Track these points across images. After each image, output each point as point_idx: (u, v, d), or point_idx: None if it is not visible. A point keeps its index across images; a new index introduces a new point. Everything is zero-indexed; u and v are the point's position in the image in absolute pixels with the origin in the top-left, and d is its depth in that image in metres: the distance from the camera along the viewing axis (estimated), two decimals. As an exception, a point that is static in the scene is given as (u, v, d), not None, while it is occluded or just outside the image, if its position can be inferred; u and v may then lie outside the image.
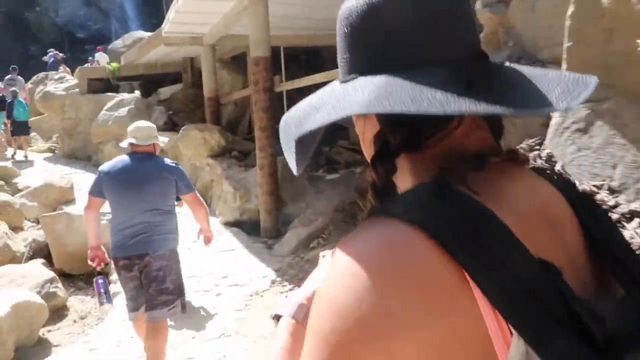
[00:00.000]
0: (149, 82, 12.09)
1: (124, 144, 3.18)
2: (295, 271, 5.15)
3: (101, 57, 15.70)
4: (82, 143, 10.79)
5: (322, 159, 9.80)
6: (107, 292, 3.23)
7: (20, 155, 10.98)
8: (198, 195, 3.31)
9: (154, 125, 3.29)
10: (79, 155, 10.88)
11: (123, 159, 3.10)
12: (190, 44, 9.21)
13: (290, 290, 4.62)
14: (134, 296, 3.02)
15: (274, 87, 6.69)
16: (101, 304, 3.21)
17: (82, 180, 9.23)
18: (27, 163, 10.47)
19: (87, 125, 10.53)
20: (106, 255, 3.16)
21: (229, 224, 6.96)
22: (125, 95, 10.22)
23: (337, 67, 0.60)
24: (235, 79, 10.26)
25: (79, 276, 5.76)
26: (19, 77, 13.41)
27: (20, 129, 11.00)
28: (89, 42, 26.51)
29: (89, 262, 3.15)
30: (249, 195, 7.09)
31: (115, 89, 11.00)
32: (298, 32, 8.89)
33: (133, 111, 9.79)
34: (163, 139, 3.40)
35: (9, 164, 9.28)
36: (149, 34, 16.21)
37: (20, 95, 12.35)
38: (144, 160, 3.07)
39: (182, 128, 8.44)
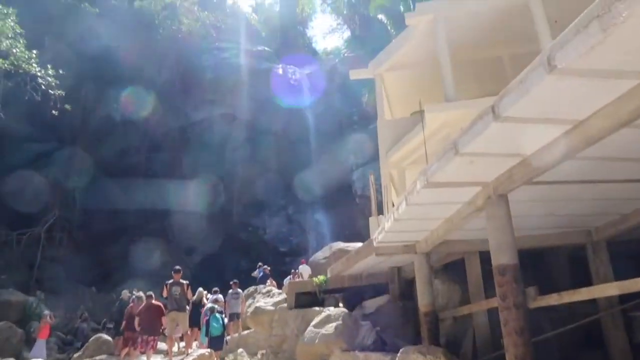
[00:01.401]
0: (352, 294, 11.55)
1: None
2: None
3: (304, 270, 16.20)
4: (286, 362, 10.12)
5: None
6: None
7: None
8: None
9: None
10: (283, 376, 10.14)
11: None
12: (403, 253, 8.49)
13: None
14: None
15: (528, 302, 5.24)
16: None
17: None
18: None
19: (292, 342, 9.96)
20: None
21: None
22: (332, 310, 9.62)
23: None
24: (452, 289, 9.00)
25: None
26: (239, 290, 14.22)
27: (215, 344, 11.12)
28: (289, 255, 28.84)
29: None
30: None
31: (321, 303, 10.56)
32: (530, 232, 7.60)
33: (340, 328, 8.98)
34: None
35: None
36: (348, 244, 16.50)
37: (239, 309, 13.08)
38: None
39: (400, 351, 7.17)
